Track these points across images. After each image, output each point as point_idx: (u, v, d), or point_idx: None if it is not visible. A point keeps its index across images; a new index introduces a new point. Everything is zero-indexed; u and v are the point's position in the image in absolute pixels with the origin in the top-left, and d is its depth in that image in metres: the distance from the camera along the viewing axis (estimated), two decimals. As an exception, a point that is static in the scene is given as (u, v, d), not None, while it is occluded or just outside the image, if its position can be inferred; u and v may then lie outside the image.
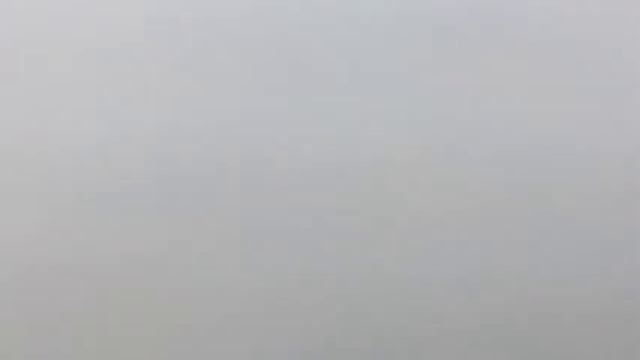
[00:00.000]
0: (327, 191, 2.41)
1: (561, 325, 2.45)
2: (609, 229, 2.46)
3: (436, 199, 2.43)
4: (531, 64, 2.45)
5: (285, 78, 2.40)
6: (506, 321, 2.45)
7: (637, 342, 2.47)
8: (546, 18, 2.46)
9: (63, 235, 2.34)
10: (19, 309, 2.34)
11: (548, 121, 2.45)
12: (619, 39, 2.48)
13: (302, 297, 2.40)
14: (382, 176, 2.42)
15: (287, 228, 2.40)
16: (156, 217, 2.37)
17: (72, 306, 2.35)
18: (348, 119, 2.41)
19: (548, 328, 2.45)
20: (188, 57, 2.37)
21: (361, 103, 2.42)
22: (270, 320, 2.40)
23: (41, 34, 2.34)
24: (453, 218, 2.43)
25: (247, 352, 2.39)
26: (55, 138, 2.34)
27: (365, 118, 2.42)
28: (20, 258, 2.34)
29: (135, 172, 2.36)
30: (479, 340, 2.44)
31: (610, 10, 2.47)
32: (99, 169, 2.35)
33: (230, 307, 2.39)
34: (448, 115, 2.44)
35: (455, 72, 2.44)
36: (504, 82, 2.45)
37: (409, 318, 2.43)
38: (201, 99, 2.38)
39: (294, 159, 2.40)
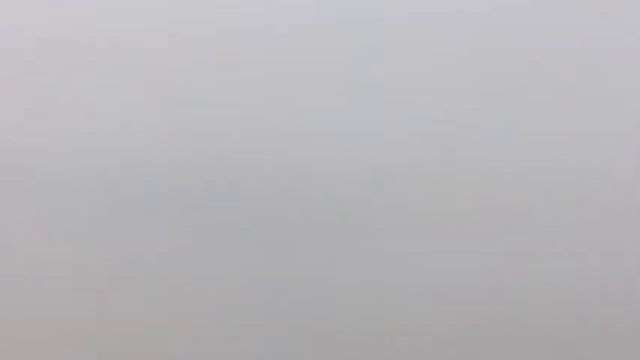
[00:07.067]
0: (327, 195, 2.41)
1: (559, 331, 2.45)
2: (610, 234, 2.46)
3: (436, 205, 2.43)
4: (532, 70, 2.45)
5: (285, 82, 2.40)
6: (504, 327, 2.44)
7: (637, 346, 2.47)
8: (548, 23, 2.46)
9: (61, 236, 2.34)
10: (20, 310, 2.34)
11: (547, 125, 2.45)
12: (622, 44, 2.48)
13: (301, 298, 2.40)
14: (382, 181, 2.42)
15: (286, 231, 2.40)
16: (155, 218, 2.37)
17: (71, 307, 2.35)
18: (349, 121, 2.41)
19: (545, 336, 2.45)
20: (190, 61, 2.38)
21: (362, 106, 2.42)
22: (269, 321, 2.40)
23: (41, 33, 2.34)
24: (453, 224, 2.43)
25: (247, 353, 2.40)
26: (54, 138, 2.34)
27: (365, 121, 2.42)
28: (20, 259, 2.34)
29: (134, 172, 2.36)
30: (477, 346, 2.44)
31: (611, 13, 2.47)
32: (97, 170, 2.35)
33: (229, 309, 2.39)
34: (449, 120, 2.44)
35: (456, 77, 2.43)
36: (506, 87, 2.45)
37: (406, 321, 2.43)
38: (200, 102, 2.38)
39: (295, 161, 2.40)
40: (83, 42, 2.36)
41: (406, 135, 2.42)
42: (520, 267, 2.44)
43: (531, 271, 2.44)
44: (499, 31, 2.44)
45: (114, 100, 2.36)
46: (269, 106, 2.40)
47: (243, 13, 2.40)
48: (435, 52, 2.43)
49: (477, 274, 2.43)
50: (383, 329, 2.42)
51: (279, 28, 2.41)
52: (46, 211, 2.35)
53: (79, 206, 2.36)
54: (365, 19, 2.42)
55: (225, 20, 2.40)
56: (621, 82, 2.46)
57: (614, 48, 2.46)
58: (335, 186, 2.41)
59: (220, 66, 2.39)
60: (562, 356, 2.44)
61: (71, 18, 2.36)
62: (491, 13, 2.44)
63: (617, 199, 2.46)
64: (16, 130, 2.34)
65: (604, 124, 2.45)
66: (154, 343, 2.36)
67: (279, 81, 2.40)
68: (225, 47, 2.39)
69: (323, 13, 2.42)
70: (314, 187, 2.40)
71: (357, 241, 2.41)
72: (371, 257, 2.41)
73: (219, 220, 2.38)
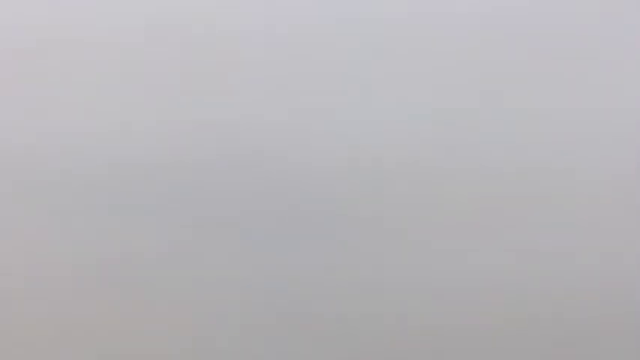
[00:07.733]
0: (327, 195, 2.40)
1: (559, 331, 2.45)
2: (610, 234, 2.46)
3: (436, 205, 2.43)
4: (532, 69, 2.45)
5: (285, 82, 2.40)
6: (504, 327, 2.44)
7: (637, 346, 2.47)
8: (548, 23, 2.46)
9: (61, 236, 2.34)
10: (20, 310, 2.34)
11: (547, 125, 2.45)
12: (622, 44, 2.47)
13: (301, 298, 2.40)
14: (383, 178, 2.42)
15: (286, 231, 2.39)
16: (155, 218, 2.37)
17: (71, 307, 2.35)
18: (349, 121, 2.41)
19: (545, 336, 2.45)
20: (190, 60, 2.38)
21: (363, 104, 2.42)
22: (269, 321, 2.40)
23: (41, 33, 2.35)
24: (453, 224, 2.43)
25: (247, 353, 2.39)
26: (54, 138, 2.34)
27: (366, 119, 2.42)
28: (20, 259, 2.34)
29: (134, 172, 2.36)
30: (477, 346, 2.44)
31: (611, 13, 2.48)
32: (97, 170, 2.35)
33: (229, 309, 2.39)
34: (449, 120, 2.44)
35: (456, 77, 2.43)
36: (506, 87, 2.45)
37: (406, 321, 2.43)
38: (200, 102, 2.38)
39: (295, 161, 2.40)
40: (83, 42, 2.36)
41: (406, 135, 2.42)
42: (520, 267, 2.43)
43: (531, 271, 2.44)
44: (499, 31, 2.44)
45: (114, 100, 2.36)
46: (269, 106, 2.40)
47: (243, 13, 2.40)
48: (435, 52, 2.43)
49: (477, 274, 2.43)
50: (383, 329, 2.42)
51: (279, 28, 2.41)
52: (46, 211, 2.35)
53: (79, 206, 2.36)
54: (365, 19, 2.43)
55: (225, 20, 2.40)
56: (621, 82, 2.46)
57: (614, 48, 2.46)
58: (335, 186, 2.41)
59: (220, 66, 2.39)
60: (562, 356, 2.44)
61: (71, 18, 2.36)
62: (491, 13, 2.44)
63: (617, 199, 2.46)
64: (16, 130, 2.34)
65: (604, 123, 2.45)
66: (154, 343, 2.36)
67: (279, 81, 2.40)
68: (225, 47, 2.39)
69: (323, 13, 2.42)
70: (314, 187, 2.40)
71: (357, 241, 2.41)
72: (371, 257, 2.41)
73: (219, 220, 2.38)
